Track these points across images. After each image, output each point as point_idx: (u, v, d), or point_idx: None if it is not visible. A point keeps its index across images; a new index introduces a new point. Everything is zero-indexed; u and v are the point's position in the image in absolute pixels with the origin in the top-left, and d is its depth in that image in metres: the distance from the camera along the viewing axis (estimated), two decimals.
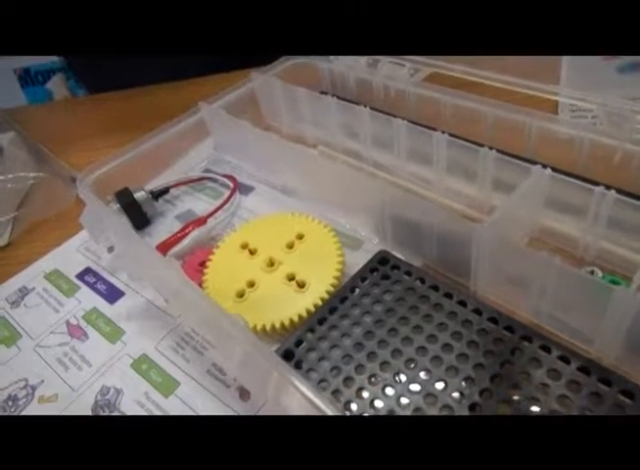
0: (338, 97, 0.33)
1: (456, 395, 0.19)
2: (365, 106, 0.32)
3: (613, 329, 0.19)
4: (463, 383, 0.20)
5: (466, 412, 0.19)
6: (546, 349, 0.20)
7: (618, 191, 0.22)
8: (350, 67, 0.37)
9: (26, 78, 1.33)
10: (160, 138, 0.33)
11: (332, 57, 0.38)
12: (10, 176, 0.33)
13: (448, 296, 0.23)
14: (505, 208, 0.23)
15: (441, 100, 0.31)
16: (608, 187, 0.22)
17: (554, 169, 0.24)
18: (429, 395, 0.19)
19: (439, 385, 0.20)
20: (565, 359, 0.20)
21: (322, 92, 0.37)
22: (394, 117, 0.30)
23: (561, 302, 0.21)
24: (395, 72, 0.34)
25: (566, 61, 0.38)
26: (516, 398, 0.19)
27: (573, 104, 0.32)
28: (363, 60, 0.36)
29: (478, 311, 0.22)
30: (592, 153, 0.26)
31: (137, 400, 0.23)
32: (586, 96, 0.27)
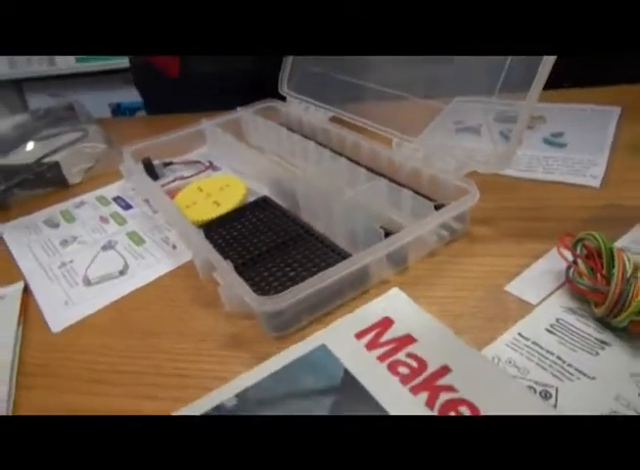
0: (284, 126, 0.57)
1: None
2: (296, 133, 0.55)
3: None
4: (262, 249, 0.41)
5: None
6: (318, 239, 0.41)
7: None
8: (296, 110, 0.61)
9: (117, 111, 1.70)
10: (175, 135, 0.58)
11: (287, 101, 0.62)
12: (89, 144, 0.59)
13: (292, 221, 0.44)
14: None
15: (333, 131, 0.54)
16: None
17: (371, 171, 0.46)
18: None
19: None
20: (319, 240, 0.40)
21: (280, 124, 0.61)
22: (306, 139, 0.53)
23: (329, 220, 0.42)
24: (316, 115, 0.58)
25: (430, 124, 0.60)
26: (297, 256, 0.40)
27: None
28: (302, 106, 0.60)
29: (299, 224, 0.43)
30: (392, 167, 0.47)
31: (124, 246, 0.45)
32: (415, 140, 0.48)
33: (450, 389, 0.25)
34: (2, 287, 0.41)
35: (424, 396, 0.25)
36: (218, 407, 0.26)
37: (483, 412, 0.24)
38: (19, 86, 1.71)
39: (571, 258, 0.33)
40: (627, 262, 0.30)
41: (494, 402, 0.24)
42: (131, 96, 0.89)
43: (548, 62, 0.35)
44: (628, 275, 0.29)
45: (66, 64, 1.59)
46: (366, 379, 0.26)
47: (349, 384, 0.26)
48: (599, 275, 0.31)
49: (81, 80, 1.62)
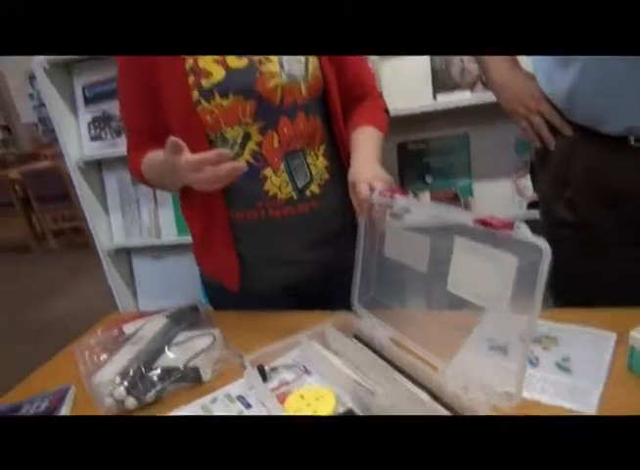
0: (357, 337, 0.79)
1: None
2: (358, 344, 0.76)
3: None
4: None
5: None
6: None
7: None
8: (365, 324, 0.83)
9: None
10: (281, 344, 0.81)
11: (358, 315, 0.84)
12: (216, 351, 0.82)
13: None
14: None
15: (394, 351, 0.75)
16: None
17: None
18: None
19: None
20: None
21: (354, 335, 0.83)
22: (375, 355, 0.74)
23: None
24: (381, 331, 0.79)
25: (467, 341, 0.79)
26: None
27: None
28: (370, 321, 0.82)
29: None
30: None
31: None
32: None
33: None
34: None
35: None
36: None
37: None
38: (127, 251, 2.10)
39: None
40: None
41: None
42: None
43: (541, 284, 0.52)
44: None
45: (169, 236, 1.97)
46: None
47: None
48: None
49: (181, 249, 1.99)
